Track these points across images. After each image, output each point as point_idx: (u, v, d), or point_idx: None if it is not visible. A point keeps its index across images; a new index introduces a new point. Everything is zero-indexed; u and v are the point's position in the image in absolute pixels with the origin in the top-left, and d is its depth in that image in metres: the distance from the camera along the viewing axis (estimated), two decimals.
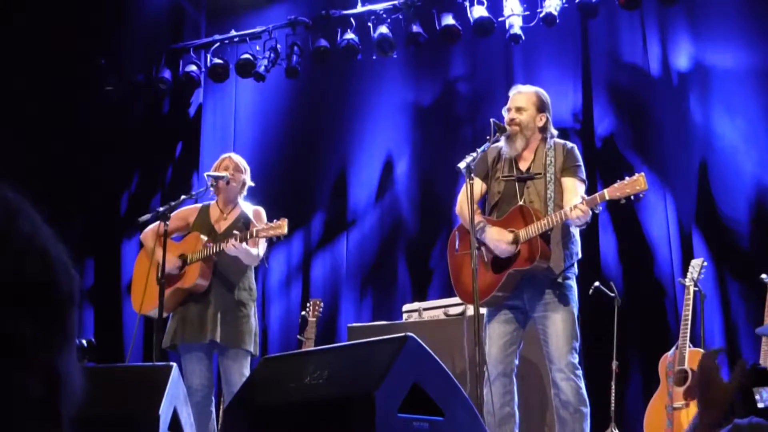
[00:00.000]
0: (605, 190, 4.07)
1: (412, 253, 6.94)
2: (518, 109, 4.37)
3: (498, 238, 4.22)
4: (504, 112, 4.43)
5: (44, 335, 0.70)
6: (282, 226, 4.61)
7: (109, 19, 7.44)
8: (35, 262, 0.70)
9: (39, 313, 0.69)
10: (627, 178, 4.04)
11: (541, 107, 4.41)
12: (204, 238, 4.85)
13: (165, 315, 4.81)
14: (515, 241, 4.19)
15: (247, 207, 5.03)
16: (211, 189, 4.99)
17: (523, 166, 4.39)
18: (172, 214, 4.87)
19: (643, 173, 4.03)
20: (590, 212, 4.07)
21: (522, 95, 4.43)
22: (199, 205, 5.15)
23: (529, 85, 4.59)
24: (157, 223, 4.90)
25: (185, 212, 5.10)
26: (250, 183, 5.06)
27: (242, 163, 5.06)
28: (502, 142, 4.43)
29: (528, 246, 4.15)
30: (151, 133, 7.76)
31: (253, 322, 4.85)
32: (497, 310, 4.30)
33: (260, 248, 4.84)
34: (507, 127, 4.36)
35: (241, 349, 4.75)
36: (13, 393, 0.67)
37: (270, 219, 4.83)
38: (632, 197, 4.01)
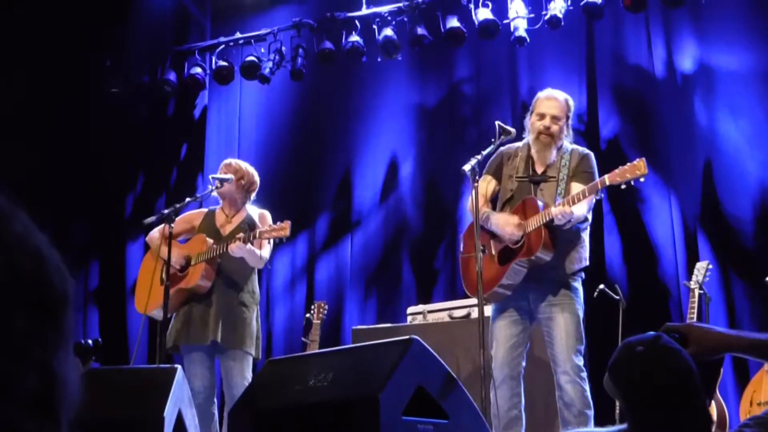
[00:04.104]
0: (605, 176, 4.08)
1: (416, 255, 6.93)
2: (554, 118, 4.31)
3: (504, 223, 4.22)
4: (533, 116, 4.37)
5: (39, 333, 0.70)
6: (285, 228, 4.63)
7: (114, 21, 7.45)
8: (28, 262, 0.71)
9: (33, 311, 0.70)
10: (628, 164, 4.05)
11: (569, 115, 4.40)
12: (209, 240, 4.87)
13: (168, 315, 4.83)
14: (522, 228, 4.20)
15: (253, 210, 5.05)
16: (215, 193, 4.99)
17: (540, 168, 4.38)
18: (177, 217, 4.92)
19: (643, 158, 4.04)
20: (575, 212, 4.05)
21: (557, 103, 4.35)
22: (205, 209, 5.18)
23: (558, 90, 4.52)
24: (163, 225, 4.91)
25: (191, 216, 5.14)
26: (244, 182, 5.00)
27: (234, 165, 5.03)
28: (521, 143, 4.42)
29: (531, 237, 4.16)
30: (156, 135, 7.77)
31: (255, 325, 4.86)
32: (503, 311, 4.29)
33: (265, 250, 4.86)
34: (539, 134, 4.31)
35: (241, 350, 4.76)
36: (8, 388, 0.67)
37: (275, 221, 4.85)
38: (632, 182, 4.02)
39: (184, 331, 4.80)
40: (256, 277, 4.99)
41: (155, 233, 5.01)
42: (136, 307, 5.12)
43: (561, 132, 4.33)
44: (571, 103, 4.43)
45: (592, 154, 4.43)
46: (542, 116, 4.32)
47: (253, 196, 5.07)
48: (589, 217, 4.37)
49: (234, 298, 4.83)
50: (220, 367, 4.92)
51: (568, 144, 4.42)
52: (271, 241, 4.84)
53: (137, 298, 5.06)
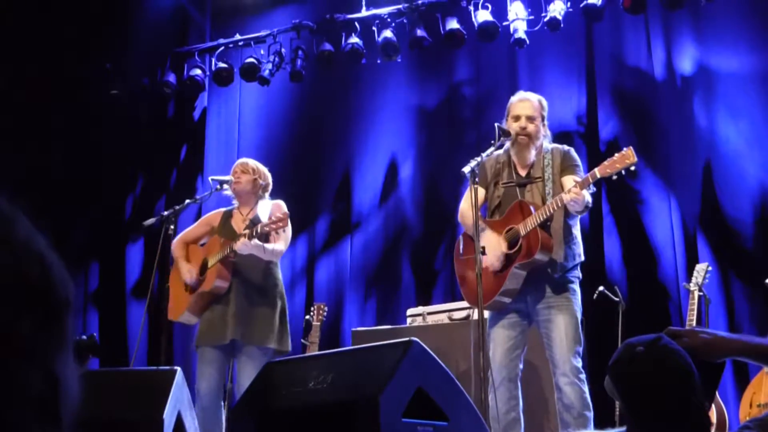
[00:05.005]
0: (596, 169, 4.12)
1: (416, 257, 6.93)
2: (529, 118, 4.36)
3: (493, 246, 4.23)
4: (509, 119, 4.41)
5: (43, 336, 0.71)
6: (284, 219, 4.67)
7: (115, 24, 7.45)
8: (33, 266, 0.72)
9: (38, 315, 0.71)
10: (616, 154, 4.09)
11: (544, 114, 4.44)
12: (221, 240, 4.89)
13: (196, 320, 4.97)
14: (516, 238, 4.20)
15: (266, 204, 5.05)
16: (225, 192, 5.04)
17: (523, 171, 4.41)
18: (198, 221, 5.04)
19: (631, 147, 4.10)
20: (585, 196, 4.10)
21: (530, 103, 4.42)
22: (222, 209, 5.20)
23: (529, 91, 4.61)
24: (183, 232, 5.03)
25: (210, 218, 5.20)
26: (262, 182, 5.06)
27: (251, 164, 5.08)
28: (501, 150, 4.44)
29: (528, 239, 4.16)
30: (156, 137, 7.78)
31: (278, 318, 4.86)
32: (501, 313, 4.30)
33: (277, 244, 4.85)
34: (516, 135, 4.34)
35: (259, 347, 4.77)
36: (13, 391, 0.68)
37: None
38: (623, 171, 4.05)
39: (206, 332, 4.85)
40: (277, 271, 4.97)
41: (174, 242, 5.04)
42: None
43: (538, 131, 4.38)
44: (545, 103, 4.49)
45: (572, 149, 4.48)
46: (517, 118, 4.38)
47: (267, 194, 5.10)
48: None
49: (253, 295, 4.84)
50: (236, 365, 4.93)
51: (547, 144, 4.46)
52: (287, 231, 4.84)
53: (169, 306, 5.09)
